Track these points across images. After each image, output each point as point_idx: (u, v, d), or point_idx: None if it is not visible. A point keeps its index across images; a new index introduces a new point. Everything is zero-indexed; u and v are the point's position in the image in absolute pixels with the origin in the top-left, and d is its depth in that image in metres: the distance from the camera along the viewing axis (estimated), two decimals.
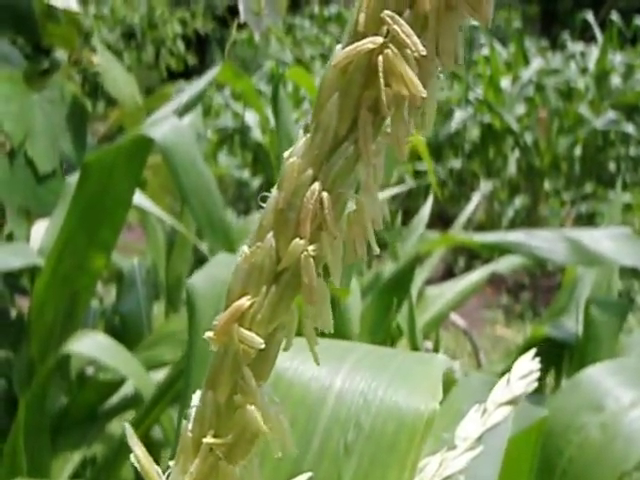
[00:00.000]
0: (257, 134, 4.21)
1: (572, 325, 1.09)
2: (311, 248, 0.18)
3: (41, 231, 0.92)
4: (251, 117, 4.21)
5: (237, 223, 4.28)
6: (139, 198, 0.87)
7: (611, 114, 3.89)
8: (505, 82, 4.16)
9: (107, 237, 0.84)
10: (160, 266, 1.39)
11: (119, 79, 1.03)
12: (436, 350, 1.12)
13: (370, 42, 0.17)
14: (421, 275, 1.23)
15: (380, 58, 0.17)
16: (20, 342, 0.94)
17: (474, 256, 4.04)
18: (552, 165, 4.08)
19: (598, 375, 0.54)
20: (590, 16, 4.95)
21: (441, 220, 4.27)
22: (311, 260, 0.18)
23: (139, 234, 1.69)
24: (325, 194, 0.18)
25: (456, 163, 4.27)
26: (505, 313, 3.53)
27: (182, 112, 0.95)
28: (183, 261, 1.39)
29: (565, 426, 0.55)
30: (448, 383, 0.36)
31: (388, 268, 1.09)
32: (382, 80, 0.17)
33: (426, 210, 1.23)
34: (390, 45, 0.17)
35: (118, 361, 0.74)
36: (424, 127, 0.18)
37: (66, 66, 1.17)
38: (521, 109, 4.07)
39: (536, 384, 0.33)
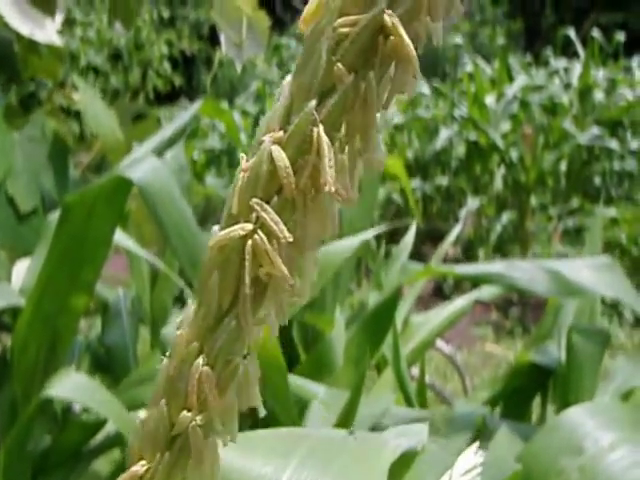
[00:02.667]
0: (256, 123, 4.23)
1: (557, 350, 1.09)
2: (199, 418, 0.19)
3: (23, 270, 0.92)
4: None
5: None
6: (120, 237, 0.87)
7: (595, 129, 3.93)
8: (490, 99, 4.19)
9: (88, 277, 0.84)
10: (144, 296, 1.39)
11: (100, 115, 1.04)
12: (422, 378, 1.12)
13: (240, 229, 0.19)
14: (408, 301, 1.23)
15: (250, 243, 0.18)
16: (3, 381, 0.94)
17: None
18: (538, 180, 4.10)
19: (577, 417, 0.54)
20: (572, 32, 4.99)
21: (429, 237, 4.28)
22: (198, 430, 0.19)
23: (124, 259, 1.69)
24: (206, 369, 0.19)
25: (443, 180, 4.29)
26: (494, 329, 3.53)
27: (163, 149, 0.96)
28: (168, 290, 1.39)
29: (544, 470, 0.55)
30: (408, 460, 0.36)
31: (372, 298, 1.10)
32: (251, 263, 0.18)
33: (409, 237, 1.24)
34: (259, 231, 0.19)
35: (99, 403, 0.73)
36: (301, 294, 0.19)
37: (49, 101, 1.18)
38: (506, 126, 4.10)
39: None
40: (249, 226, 0.19)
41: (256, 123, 4.72)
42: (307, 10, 0.19)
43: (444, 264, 1.67)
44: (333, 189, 0.18)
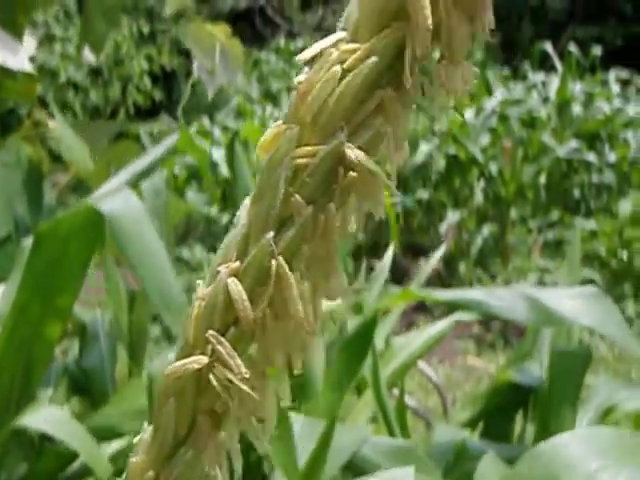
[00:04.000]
0: (225, 170, 4.22)
1: (538, 369, 1.09)
2: None
3: None
4: (218, 153, 4.22)
5: (207, 259, 4.25)
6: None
7: (573, 143, 3.96)
8: (469, 113, 4.22)
9: (63, 305, 0.83)
10: (122, 316, 1.38)
11: (73, 145, 1.03)
12: (401, 400, 1.12)
13: (195, 362, 0.18)
14: (389, 321, 1.23)
15: (211, 376, 0.18)
16: None
17: (445, 286, 4.06)
18: (518, 193, 4.13)
19: (557, 447, 0.54)
20: (549, 46, 5.04)
21: (410, 250, 4.29)
22: None
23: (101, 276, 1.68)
24: None
25: (424, 194, 4.30)
26: (476, 343, 3.54)
27: (141, 178, 0.95)
28: (145, 310, 1.38)
29: None
30: None
31: (351, 321, 1.09)
32: (207, 396, 0.18)
33: (387, 259, 1.24)
34: (215, 365, 0.18)
35: (71, 435, 0.72)
36: (266, 418, 0.18)
37: (25, 126, 1.17)
38: (485, 139, 4.12)
39: None
40: (204, 359, 0.18)
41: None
42: (265, 137, 0.19)
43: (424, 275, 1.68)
44: (301, 318, 0.18)
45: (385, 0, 0.18)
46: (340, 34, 0.19)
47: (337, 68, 0.18)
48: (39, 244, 0.78)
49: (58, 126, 1.08)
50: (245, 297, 0.18)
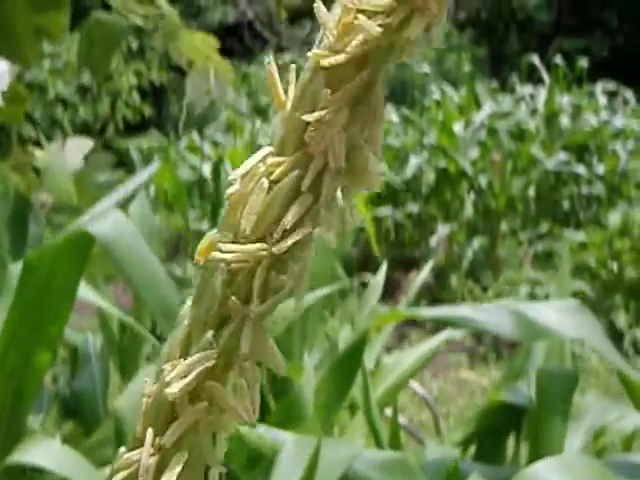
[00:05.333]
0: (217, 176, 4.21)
1: (529, 388, 1.09)
2: None
3: None
4: (208, 169, 4.22)
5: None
6: (84, 291, 0.86)
7: (562, 155, 3.98)
8: (458, 126, 4.23)
9: (52, 332, 0.83)
10: (113, 339, 1.37)
11: (58, 177, 1.03)
12: (394, 420, 1.12)
13: (136, 461, 0.20)
14: (381, 341, 1.23)
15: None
16: None
17: (437, 299, 4.07)
18: (508, 206, 4.14)
19: (541, 472, 0.54)
20: (536, 59, 5.07)
21: (401, 263, 4.29)
22: None
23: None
24: None
25: (414, 207, 4.31)
26: (469, 356, 3.54)
27: (123, 205, 0.95)
28: (138, 333, 1.37)
29: None
30: None
31: (342, 339, 1.09)
32: None
33: (380, 277, 1.24)
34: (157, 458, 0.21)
35: (68, 468, 0.72)
36: None
37: (14, 154, 1.16)
38: (475, 152, 4.14)
39: None
40: (151, 461, 0.19)
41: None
42: (202, 244, 0.20)
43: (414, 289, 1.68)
44: (240, 413, 0.19)
45: (307, 114, 0.19)
46: (267, 149, 0.20)
47: (264, 181, 0.20)
48: (28, 271, 0.78)
49: (45, 156, 1.08)
50: (185, 397, 0.19)
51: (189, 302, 0.21)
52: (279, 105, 0.20)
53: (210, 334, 0.20)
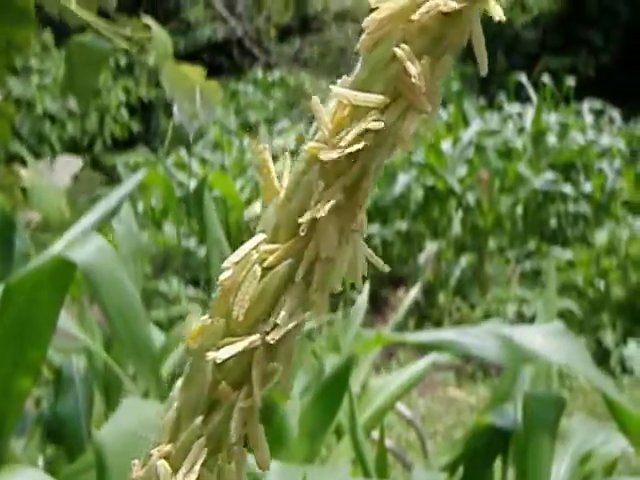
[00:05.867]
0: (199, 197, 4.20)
1: (515, 411, 1.09)
2: None
3: None
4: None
5: (184, 292, 4.22)
6: (65, 322, 0.85)
7: (549, 174, 4.00)
8: (446, 144, 4.25)
9: (33, 358, 0.82)
10: (97, 361, 1.36)
11: (46, 194, 1.02)
12: (381, 444, 1.11)
13: None
14: (367, 363, 1.22)
15: None
16: None
17: (425, 317, 4.07)
18: (495, 224, 4.15)
19: None
20: (523, 77, 5.11)
21: (390, 281, 4.30)
22: None
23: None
24: None
25: (402, 224, 4.32)
26: (456, 374, 3.53)
27: (108, 219, 0.95)
28: (122, 355, 1.36)
29: None
30: None
31: (328, 363, 1.09)
32: None
33: (364, 296, 1.24)
34: None
35: None
36: None
37: (0, 172, 1.15)
38: (463, 170, 4.15)
39: None
40: None
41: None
42: (193, 329, 0.20)
43: (405, 307, 1.68)
44: None
45: (299, 206, 0.20)
46: (260, 236, 0.20)
47: (257, 268, 0.20)
48: (8, 297, 0.77)
49: (32, 174, 1.07)
50: None
51: (179, 384, 0.21)
52: (272, 193, 0.21)
53: (199, 420, 0.20)
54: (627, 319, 3.54)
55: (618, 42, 7.39)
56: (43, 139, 6.15)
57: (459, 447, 1.13)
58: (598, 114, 4.91)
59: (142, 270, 1.49)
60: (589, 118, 4.68)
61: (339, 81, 0.19)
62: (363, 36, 0.19)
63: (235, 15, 8.34)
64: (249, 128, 5.81)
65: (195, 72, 1.06)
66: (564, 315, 3.55)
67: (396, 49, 0.18)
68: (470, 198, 4.06)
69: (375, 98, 0.19)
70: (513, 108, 4.87)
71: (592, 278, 3.57)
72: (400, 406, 1.26)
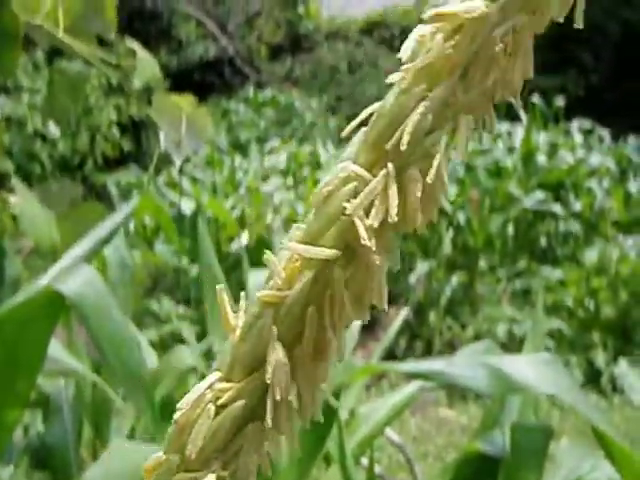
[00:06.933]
0: (194, 221, 4.20)
1: (505, 438, 1.09)
2: None
3: None
4: (186, 205, 4.21)
5: (175, 311, 4.18)
6: (55, 349, 0.85)
7: (539, 194, 4.02)
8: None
9: (22, 389, 0.82)
10: (86, 388, 1.35)
11: (36, 219, 1.03)
12: (371, 471, 1.11)
13: None
14: (354, 392, 1.22)
15: None
16: None
17: (416, 335, 4.07)
18: (486, 243, 4.17)
19: None
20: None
21: None
22: None
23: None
24: None
25: None
26: (448, 394, 3.53)
27: (100, 247, 0.95)
28: (110, 382, 1.35)
29: None
30: None
31: None
32: None
33: (354, 327, 1.23)
34: None
35: None
36: None
37: None
38: (453, 189, 4.17)
39: None
40: None
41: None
42: (149, 463, 0.21)
43: (394, 327, 1.68)
44: None
45: (252, 348, 0.21)
46: (215, 375, 0.21)
47: (211, 407, 0.21)
48: None
49: (21, 199, 1.07)
50: None
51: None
52: (228, 328, 0.21)
53: None
54: (617, 338, 3.55)
55: (608, 62, 7.45)
56: (34, 158, 6.14)
57: (450, 472, 1.13)
58: (587, 133, 4.95)
59: (133, 293, 1.49)
60: (578, 137, 4.71)
61: (294, 228, 0.20)
62: (315, 190, 0.19)
63: (227, 34, 8.38)
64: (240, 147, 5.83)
65: (185, 101, 1.07)
66: (554, 335, 3.56)
67: (346, 204, 0.18)
68: (461, 217, 4.08)
69: (323, 252, 0.19)
70: (503, 127, 4.90)
71: (582, 297, 3.58)
72: (389, 431, 1.26)
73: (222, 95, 7.19)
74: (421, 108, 0.19)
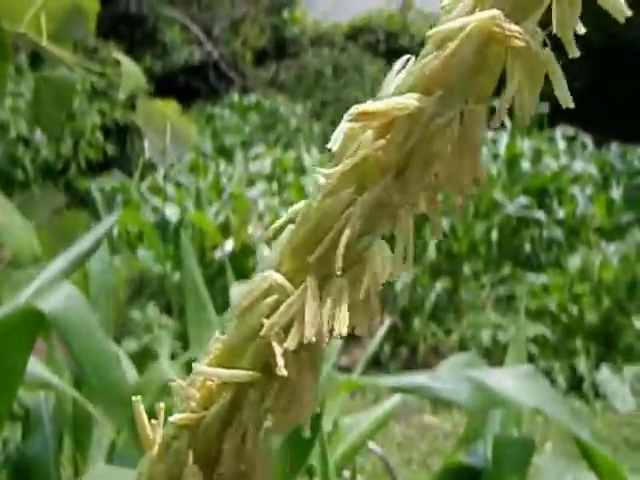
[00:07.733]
0: (178, 227, 4.19)
1: (487, 449, 1.09)
2: None
3: None
4: (170, 211, 4.20)
5: (158, 319, 4.17)
6: (34, 366, 0.84)
7: (523, 200, 4.03)
8: None
9: (0, 407, 0.81)
10: (67, 402, 1.34)
11: (16, 231, 1.01)
12: None
13: None
14: (337, 403, 1.22)
15: None
16: None
17: (401, 341, 4.07)
18: (470, 249, 4.18)
19: None
20: (497, 103, 5.16)
21: None
22: None
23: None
24: None
25: None
26: (432, 401, 3.53)
27: (82, 261, 0.94)
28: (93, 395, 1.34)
29: None
30: None
31: None
32: None
33: (336, 346, 1.23)
34: None
35: None
36: None
37: None
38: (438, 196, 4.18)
39: None
40: None
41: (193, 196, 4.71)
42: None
43: (379, 335, 1.68)
44: None
45: (168, 468, 0.21)
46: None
47: None
48: None
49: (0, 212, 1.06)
50: None
51: None
52: (147, 445, 0.21)
53: None
54: (600, 344, 3.57)
55: (590, 69, 7.51)
56: (16, 163, 6.10)
57: None
58: (571, 140, 4.98)
59: (115, 302, 1.47)
60: (562, 144, 4.74)
61: (213, 340, 0.19)
62: (238, 301, 0.19)
63: (212, 39, 8.36)
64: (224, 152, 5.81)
65: (169, 107, 1.06)
66: (538, 340, 3.57)
67: (265, 320, 0.18)
68: (445, 223, 4.09)
69: (239, 375, 0.19)
70: (488, 134, 4.92)
71: (566, 303, 3.60)
72: (370, 443, 1.25)
73: (207, 100, 7.18)
74: (348, 214, 0.18)
